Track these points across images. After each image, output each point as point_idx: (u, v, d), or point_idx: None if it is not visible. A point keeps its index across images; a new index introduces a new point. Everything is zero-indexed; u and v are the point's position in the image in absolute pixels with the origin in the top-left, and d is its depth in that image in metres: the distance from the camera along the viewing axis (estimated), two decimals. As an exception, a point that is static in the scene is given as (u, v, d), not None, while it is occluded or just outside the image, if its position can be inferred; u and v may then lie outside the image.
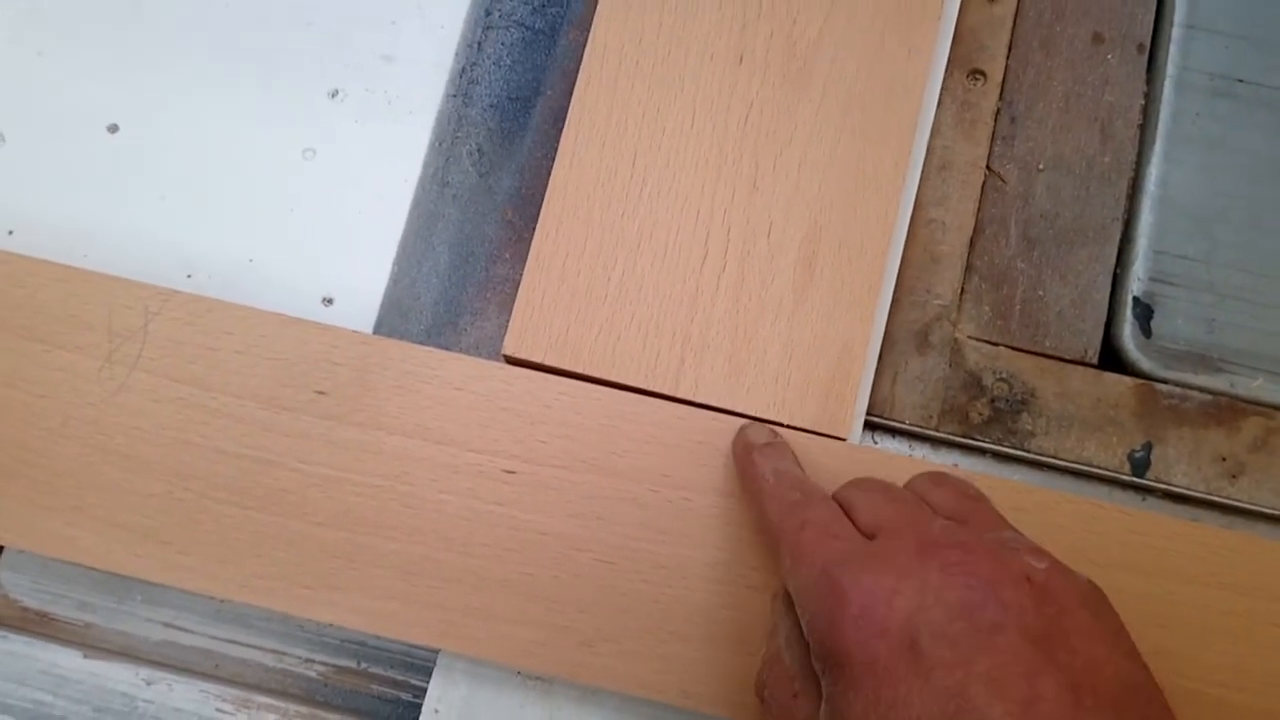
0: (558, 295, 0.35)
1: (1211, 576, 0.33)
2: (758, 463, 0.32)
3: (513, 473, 0.33)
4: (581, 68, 0.36)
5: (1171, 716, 0.25)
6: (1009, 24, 0.41)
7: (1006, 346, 0.38)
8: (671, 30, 0.37)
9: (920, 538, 0.26)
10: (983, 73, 0.40)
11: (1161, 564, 0.34)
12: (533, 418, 0.33)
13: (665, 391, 0.34)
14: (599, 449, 0.33)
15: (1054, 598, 0.25)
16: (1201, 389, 0.37)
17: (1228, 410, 0.37)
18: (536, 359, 0.34)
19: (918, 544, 0.26)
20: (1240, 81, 0.40)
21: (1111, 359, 0.38)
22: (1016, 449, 0.36)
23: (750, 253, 0.35)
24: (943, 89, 0.39)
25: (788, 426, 0.34)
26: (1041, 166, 0.39)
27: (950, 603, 0.24)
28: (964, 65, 0.40)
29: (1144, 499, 0.36)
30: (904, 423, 0.37)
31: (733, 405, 0.34)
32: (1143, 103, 0.40)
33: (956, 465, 0.37)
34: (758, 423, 0.33)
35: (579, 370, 0.34)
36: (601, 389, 0.34)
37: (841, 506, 0.30)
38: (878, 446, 0.37)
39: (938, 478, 0.31)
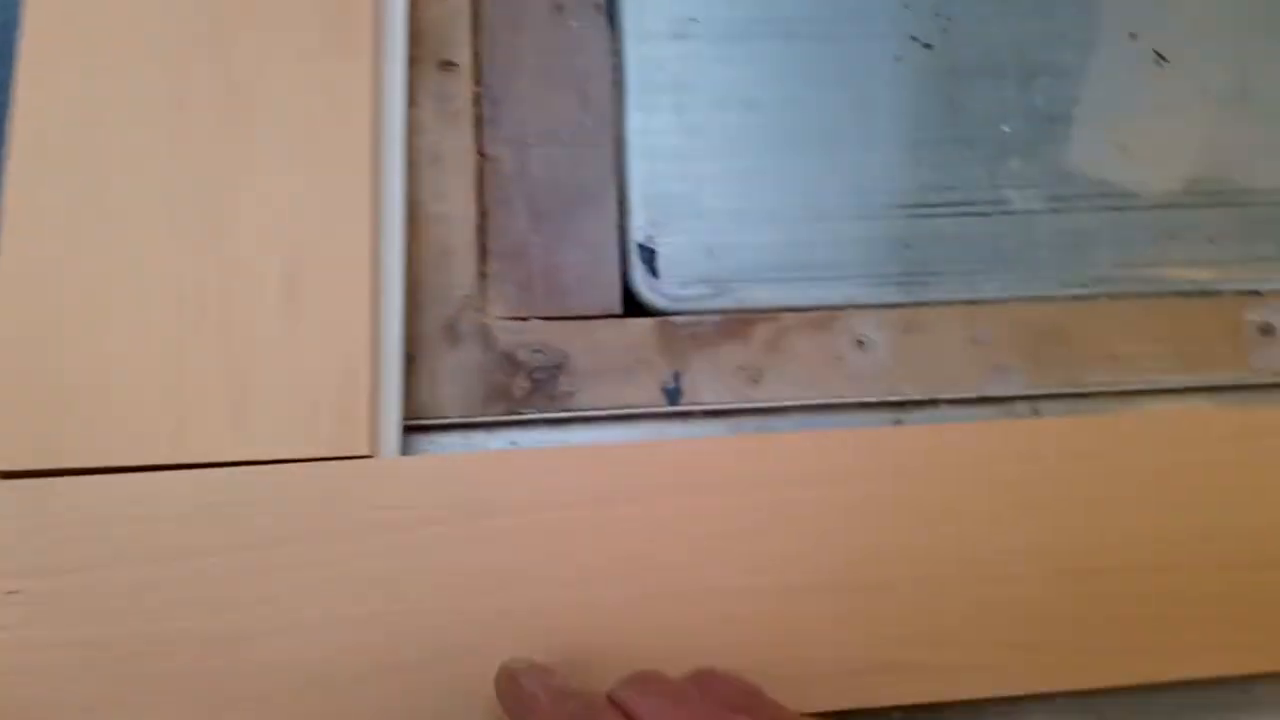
0: (19, 394, 0.32)
1: (757, 478, 0.36)
2: (525, 685, 0.30)
3: (16, 592, 0.31)
4: (7, 140, 0.34)
5: None
6: (468, 10, 0.42)
7: (537, 318, 0.39)
8: (101, 87, 0.35)
9: None
10: (453, 62, 0.41)
11: (709, 480, 0.36)
12: (25, 531, 0.31)
13: (165, 461, 0.33)
14: (103, 544, 0.31)
15: None
16: (713, 311, 0.40)
17: (739, 323, 0.39)
18: (15, 467, 0.32)
19: None
20: (693, 20, 0.42)
21: (633, 305, 0.40)
22: (562, 412, 0.38)
23: (230, 296, 0.34)
24: (417, 85, 0.40)
25: (307, 460, 0.33)
26: (531, 141, 0.41)
27: None
28: (433, 58, 0.41)
29: (686, 422, 0.39)
30: (451, 417, 0.37)
31: (244, 454, 0.33)
32: (612, 60, 0.42)
33: (515, 444, 0.38)
34: (514, 657, 0.32)
35: (65, 466, 0.32)
36: (94, 479, 0.32)
37: (625, 712, 0.28)
38: (430, 451, 0.37)
39: (708, 676, 0.31)
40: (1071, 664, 0.35)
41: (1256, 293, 0.40)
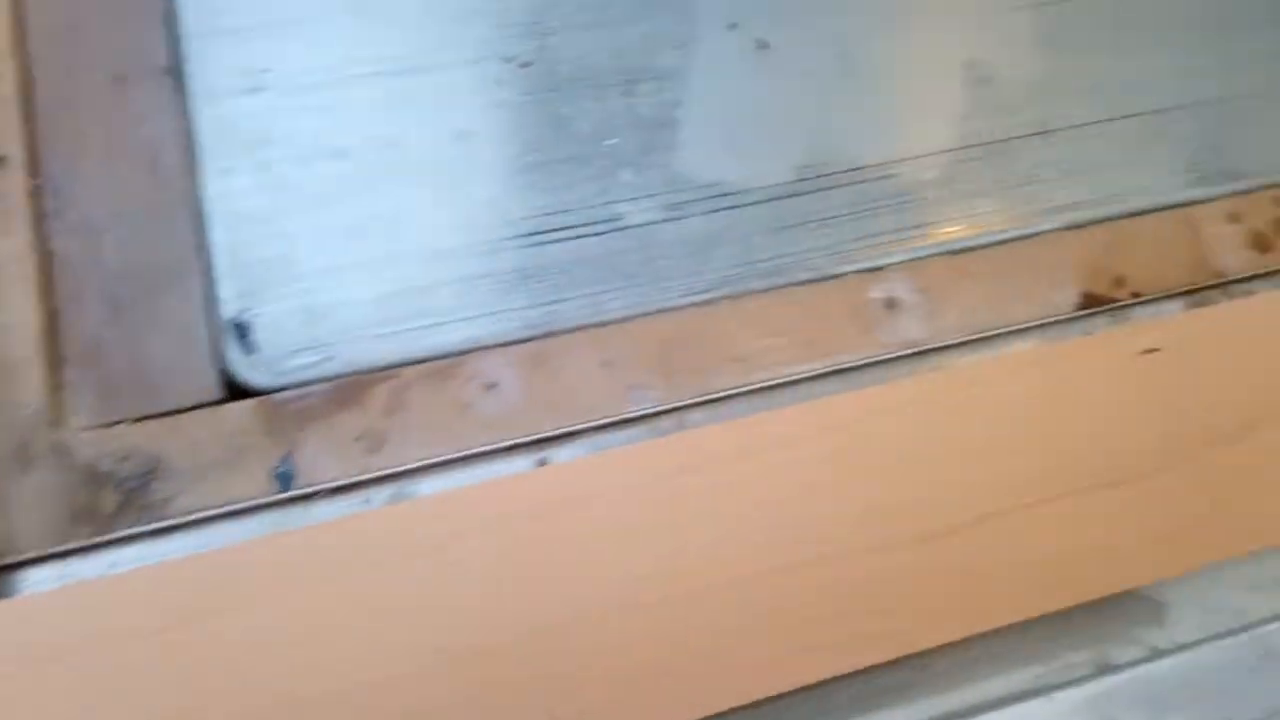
0: None
1: (388, 553, 0.34)
2: None
3: None
4: None
5: None
6: (15, 96, 0.38)
7: (128, 421, 0.36)
8: None
9: None
10: (3, 157, 0.37)
11: (329, 567, 0.33)
12: None
13: None
14: None
15: None
16: (322, 379, 0.37)
17: (352, 388, 0.37)
18: None
19: None
20: (266, 71, 0.39)
21: (235, 389, 0.37)
22: (158, 521, 0.35)
23: None
24: (-48, 189, 0.36)
25: None
26: (102, 227, 0.37)
27: None
28: (-26, 155, 0.37)
29: (307, 507, 0.36)
30: (36, 551, 0.34)
31: None
32: (182, 124, 0.39)
33: (114, 566, 0.34)
34: None
35: None
36: None
37: None
38: (24, 591, 0.33)
39: None
40: (743, 677, 0.34)
41: (878, 269, 0.40)
